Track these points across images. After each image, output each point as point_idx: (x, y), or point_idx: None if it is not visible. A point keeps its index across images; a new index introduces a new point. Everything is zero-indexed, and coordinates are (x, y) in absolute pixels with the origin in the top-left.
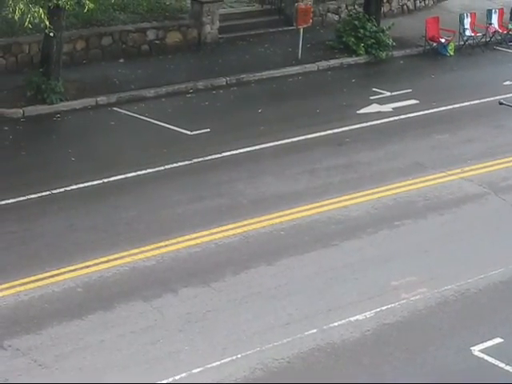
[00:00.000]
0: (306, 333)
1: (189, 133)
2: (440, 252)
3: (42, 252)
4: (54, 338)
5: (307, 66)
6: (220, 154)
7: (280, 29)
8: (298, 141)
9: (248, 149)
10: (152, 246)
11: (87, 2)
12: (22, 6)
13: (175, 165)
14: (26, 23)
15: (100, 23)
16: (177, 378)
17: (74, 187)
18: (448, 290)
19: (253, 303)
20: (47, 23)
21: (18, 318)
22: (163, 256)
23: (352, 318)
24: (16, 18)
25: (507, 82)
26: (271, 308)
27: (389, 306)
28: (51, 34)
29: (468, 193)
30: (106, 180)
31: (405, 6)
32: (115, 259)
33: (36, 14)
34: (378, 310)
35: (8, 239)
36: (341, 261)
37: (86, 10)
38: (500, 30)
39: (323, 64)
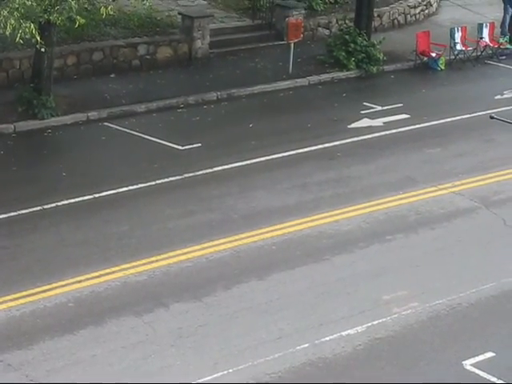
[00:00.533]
0: (298, 347)
1: (180, 148)
2: (431, 266)
3: (34, 267)
4: (45, 353)
5: (298, 80)
6: (211, 168)
7: (271, 43)
8: (289, 155)
9: (239, 163)
10: (143, 261)
11: (78, 17)
12: (13, 22)
13: (166, 180)
14: (17, 39)
15: (91, 38)
16: None
17: (65, 202)
18: (439, 305)
19: (244, 318)
20: (38, 39)
21: (10, 334)
22: (154, 271)
23: (344, 333)
24: (7, 33)
25: (498, 96)
26: (263, 323)
27: (380, 321)
28: (42, 50)
29: (459, 207)
30: (97, 195)
31: (395, 21)
32: (106, 274)
33: (27, 30)
34: (370, 324)
35: None
36: (332, 275)
37: (77, 26)
38: (491, 44)
39: (314, 79)
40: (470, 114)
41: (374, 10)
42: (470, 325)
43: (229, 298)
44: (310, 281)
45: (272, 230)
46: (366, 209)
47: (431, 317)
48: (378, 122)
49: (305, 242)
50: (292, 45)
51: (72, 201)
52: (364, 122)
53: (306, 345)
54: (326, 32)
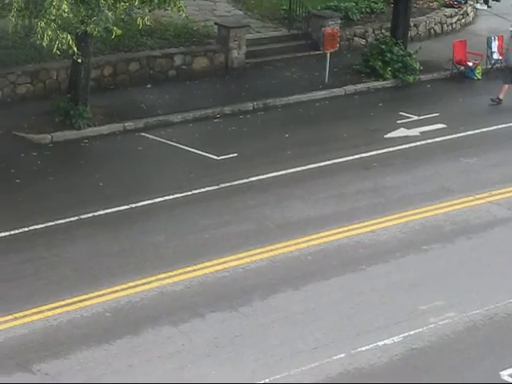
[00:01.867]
0: (334, 357)
1: (216, 158)
2: (468, 276)
3: (71, 277)
4: (82, 363)
5: (334, 90)
6: (247, 178)
7: (307, 53)
8: (325, 165)
9: (275, 173)
10: (179, 271)
11: (115, 28)
12: (50, 33)
13: (202, 190)
14: (55, 50)
15: (127, 49)
16: None
17: (101, 212)
18: (476, 315)
19: (280, 328)
20: (75, 49)
21: (47, 343)
22: (191, 281)
23: (380, 343)
24: (44, 44)
25: None
26: (299, 333)
27: (417, 331)
28: (79, 61)
29: (496, 217)
30: (133, 205)
31: (432, 30)
32: (143, 284)
33: (64, 41)
34: (406, 334)
35: (37, 264)
36: (368, 285)
37: (113, 36)
38: None
39: (350, 88)
40: (506, 123)
41: (411, 19)
42: (507, 335)
43: (265, 308)
44: (345, 291)
45: (308, 240)
46: (402, 219)
47: (468, 327)
48: (415, 131)
49: (341, 251)
50: (328, 54)
51: (109, 211)
52: (400, 132)
53: (343, 355)
54: (363, 42)
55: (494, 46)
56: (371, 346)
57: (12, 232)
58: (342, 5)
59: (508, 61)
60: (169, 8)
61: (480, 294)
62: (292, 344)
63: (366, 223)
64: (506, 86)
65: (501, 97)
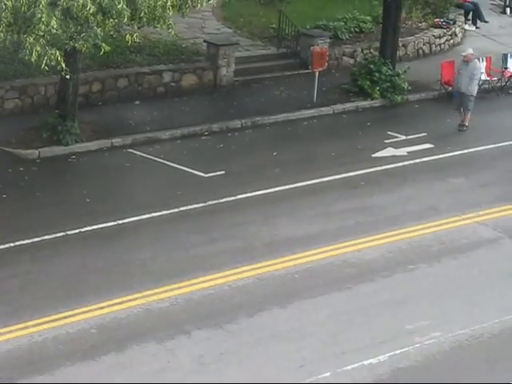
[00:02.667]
0: (319, 376)
1: (204, 175)
2: (454, 296)
3: (56, 293)
4: (67, 379)
5: (322, 109)
6: (234, 196)
7: (295, 72)
8: (313, 184)
9: (262, 191)
10: (166, 288)
11: (104, 44)
12: (38, 49)
13: (190, 207)
14: (43, 65)
15: (116, 65)
16: None
17: (88, 228)
18: (462, 335)
19: (266, 346)
20: (63, 66)
21: (32, 359)
22: (177, 298)
23: (366, 362)
24: (33, 60)
25: None
26: (285, 351)
27: (403, 350)
28: (67, 77)
29: (483, 237)
30: (120, 221)
31: (420, 50)
32: (129, 300)
33: (53, 57)
34: (392, 353)
35: (22, 280)
36: (355, 304)
37: (102, 53)
38: None
39: (338, 107)
40: (493, 144)
41: (399, 39)
42: (492, 355)
43: (251, 326)
44: (332, 309)
45: (295, 259)
46: (389, 238)
47: (454, 347)
48: (402, 151)
49: (327, 270)
50: (317, 73)
51: (95, 227)
52: (388, 151)
53: (328, 373)
54: (351, 61)
55: (482, 66)
56: (357, 365)
57: None
58: (330, 24)
59: (458, 85)
60: (158, 25)
61: (466, 313)
62: (278, 362)
63: (352, 242)
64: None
65: (466, 123)
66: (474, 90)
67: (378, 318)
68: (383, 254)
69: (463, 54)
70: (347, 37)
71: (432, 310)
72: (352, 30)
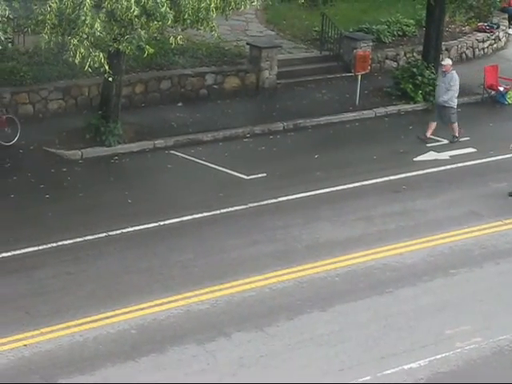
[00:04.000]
0: (359, 380)
1: (245, 177)
2: (495, 301)
3: (98, 293)
4: (107, 380)
5: (365, 112)
6: (276, 198)
7: (338, 75)
8: (354, 187)
9: (304, 194)
10: (206, 290)
11: (147, 46)
12: (82, 50)
13: (231, 209)
14: (86, 67)
15: (159, 67)
16: None
17: (130, 229)
18: (503, 340)
19: (306, 349)
20: (107, 68)
21: (73, 359)
22: (217, 300)
23: (406, 366)
24: (76, 61)
25: None
26: (324, 354)
27: (443, 355)
28: (110, 79)
29: None
30: (162, 223)
31: (463, 54)
32: (169, 302)
33: (96, 59)
34: (432, 358)
35: (64, 280)
36: (395, 308)
37: (145, 55)
38: None
39: (381, 110)
40: None
41: (442, 43)
42: None
43: (291, 329)
44: (372, 313)
45: (335, 262)
46: (430, 242)
47: (494, 352)
48: (444, 155)
49: (368, 274)
50: (359, 76)
51: (137, 228)
52: (430, 155)
53: (368, 377)
54: (394, 64)
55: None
56: (397, 369)
57: (40, 247)
58: (373, 27)
59: (437, 98)
60: (201, 27)
61: (507, 319)
62: (317, 365)
63: (393, 246)
64: (434, 123)
65: (456, 134)
66: (453, 101)
67: (419, 322)
68: (424, 258)
69: (442, 63)
70: (390, 40)
71: (473, 314)
72: (395, 33)
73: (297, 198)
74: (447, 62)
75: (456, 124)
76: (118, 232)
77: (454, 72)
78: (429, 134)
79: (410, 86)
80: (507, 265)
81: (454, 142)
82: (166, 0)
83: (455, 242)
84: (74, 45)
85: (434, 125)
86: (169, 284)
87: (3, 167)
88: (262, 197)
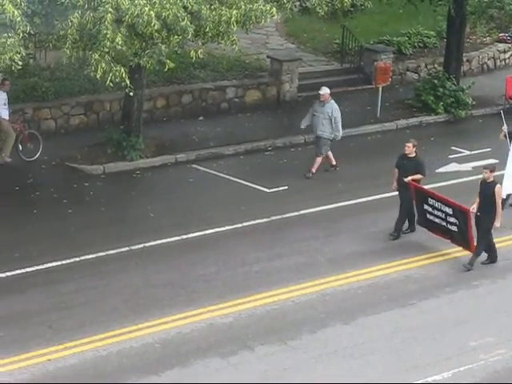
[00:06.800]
0: None
1: (267, 190)
2: None
3: (121, 307)
4: None
5: (386, 124)
6: (298, 211)
7: (359, 87)
8: (376, 199)
9: (326, 207)
10: (229, 303)
11: (168, 61)
12: (104, 65)
13: (253, 222)
14: (108, 82)
15: (180, 81)
16: None
17: (152, 243)
18: None
19: (329, 362)
20: (128, 82)
21: (97, 373)
22: (240, 313)
23: (430, 379)
24: (98, 76)
25: None
26: (348, 367)
27: (467, 367)
28: (131, 94)
29: None
30: (184, 236)
31: (485, 65)
32: (193, 315)
33: (117, 73)
34: (456, 370)
35: (88, 294)
36: (418, 320)
37: (166, 69)
38: None
39: (402, 122)
40: None
41: (464, 54)
42: None
43: (314, 342)
44: (395, 325)
45: (358, 274)
46: (452, 254)
47: None
48: (467, 166)
49: (391, 286)
50: (380, 88)
51: (159, 242)
52: (452, 167)
53: None
54: (415, 76)
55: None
56: (421, 381)
57: (63, 262)
58: (394, 39)
59: (315, 129)
60: (222, 41)
61: None
62: (341, 378)
63: (416, 258)
64: (320, 158)
65: (333, 163)
66: (340, 134)
67: (442, 334)
68: (446, 270)
69: (320, 92)
70: (411, 52)
71: (496, 326)
72: (416, 44)
73: (319, 211)
74: (325, 91)
75: (321, 158)
76: (141, 246)
77: (333, 101)
78: (334, 162)
79: (432, 97)
80: None
81: (328, 171)
82: (186, 14)
83: None
84: (95, 59)
85: (327, 156)
86: (192, 297)
87: (26, 183)
88: (284, 210)
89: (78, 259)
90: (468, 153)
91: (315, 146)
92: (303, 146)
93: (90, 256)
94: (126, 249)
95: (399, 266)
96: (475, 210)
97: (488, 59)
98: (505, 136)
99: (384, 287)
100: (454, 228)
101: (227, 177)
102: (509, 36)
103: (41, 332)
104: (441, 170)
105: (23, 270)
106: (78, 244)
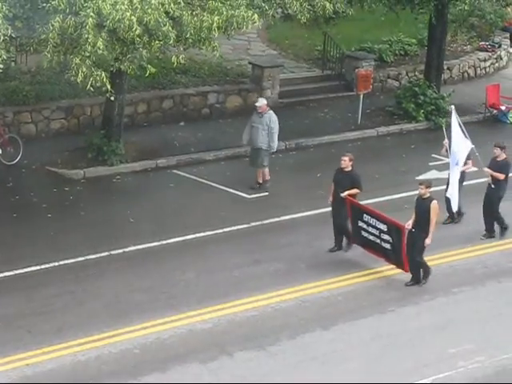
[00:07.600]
0: None
1: (247, 196)
2: (498, 320)
3: (100, 312)
4: None
5: (367, 131)
6: (278, 217)
7: (340, 94)
8: None
9: (306, 213)
10: (209, 309)
11: (149, 66)
12: (84, 69)
13: (233, 228)
14: (88, 86)
15: (161, 86)
16: None
17: (132, 248)
18: (506, 359)
19: (308, 368)
20: (109, 87)
21: (75, 379)
22: (220, 319)
23: None
24: (79, 80)
25: None
26: (327, 373)
27: (446, 374)
28: (112, 98)
29: None
30: (164, 242)
31: (465, 73)
32: (172, 321)
33: (98, 78)
34: (435, 377)
35: (66, 299)
36: (398, 327)
37: (147, 74)
38: None
39: (383, 130)
40: None
41: (444, 62)
42: None
43: (293, 348)
44: (375, 332)
45: (338, 281)
46: (432, 261)
47: (498, 371)
48: (447, 174)
49: (371, 293)
50: (361, 96)
51: (139, 247)
52: (432, 174)
53: None
54: (396, 83)
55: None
56: None
57: (42, 266)
58: (375, 46)
59: (251, 140)
60: (203, 47)
61: (510, 338)
62: None
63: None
64: (261, 169)
65: (259, 180)
66: (275, 145)
67: (421, 341)
68: None
69: (256, 104)
70: (392, 59)
71: (475, 333)
72: (397, 52)
73: (299, 217)
74: (262, 102)
75: (267, 169)
76: (120, 251)
77: (271, 112)
78: (260, 180)
79: (412, 105)
80: (510, 284)
81: (255, 189)
82: (168, 19)
83: (457, 261)
84: (76, 64)
85: (258, 171)
86: (171, 303)
87: (5, 187)
88: (265, 216)
89: (57, 264)
90: (448, 160)
91: (252, 159)
92: (284, 152)
93: (70, 261)
94: (106, 253)
95: (380, 273)
96: (410, 226)
97: (468, 67)
98: (446, 151)
99: (364, 294)
100: (388, 246)
101: (208, 182)
102: (489, 44)
103: (19, 336)
104: (421, 177)
105: (2, 275)
106: (58, 248)
